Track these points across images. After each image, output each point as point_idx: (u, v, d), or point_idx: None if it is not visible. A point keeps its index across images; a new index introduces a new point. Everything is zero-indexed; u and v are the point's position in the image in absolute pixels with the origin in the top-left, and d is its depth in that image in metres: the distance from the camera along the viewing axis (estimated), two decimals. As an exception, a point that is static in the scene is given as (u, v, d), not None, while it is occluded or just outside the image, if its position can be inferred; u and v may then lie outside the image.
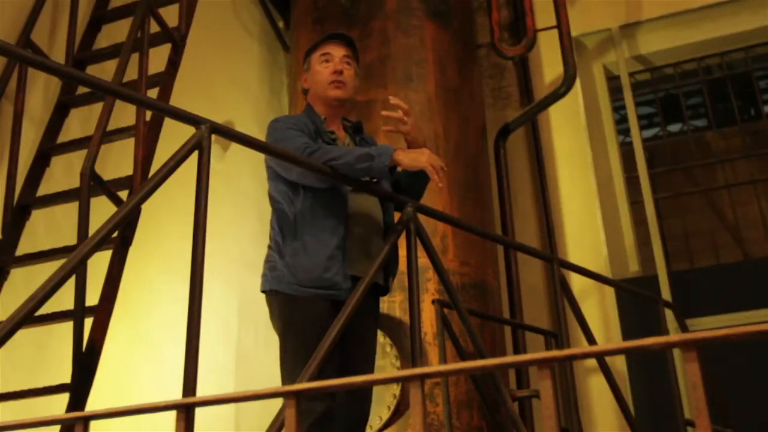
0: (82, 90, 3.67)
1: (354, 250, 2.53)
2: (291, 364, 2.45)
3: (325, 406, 2.33)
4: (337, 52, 2.71)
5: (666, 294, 4.93)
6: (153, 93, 3.57)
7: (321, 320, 2.41)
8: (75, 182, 3.07)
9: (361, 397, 2.56)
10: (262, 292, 2.59)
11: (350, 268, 2.51)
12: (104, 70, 3.77)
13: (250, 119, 5.32)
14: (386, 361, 3.83)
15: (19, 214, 3.26)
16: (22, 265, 3.15)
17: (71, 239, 3.00)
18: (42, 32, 3.64)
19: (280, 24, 6.04)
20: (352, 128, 2.80)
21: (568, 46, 5.13)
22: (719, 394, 3.88)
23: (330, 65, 2.68)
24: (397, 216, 2.68)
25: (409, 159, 2.42)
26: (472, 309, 3.96)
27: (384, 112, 2.60)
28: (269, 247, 2.61)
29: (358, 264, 2.53)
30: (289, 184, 2.56)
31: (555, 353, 1.01)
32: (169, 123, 3.18)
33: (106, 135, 3.13)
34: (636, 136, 5.53)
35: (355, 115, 3.81)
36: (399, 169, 2.55)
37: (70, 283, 2.07)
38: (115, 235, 2.78)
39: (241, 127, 2.60)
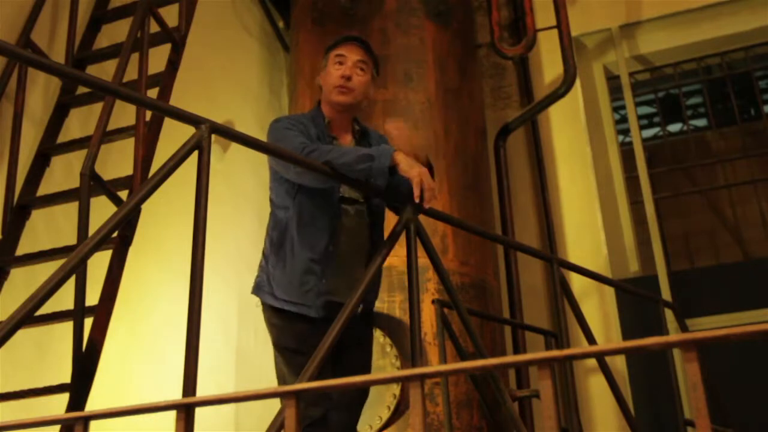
0: (82, 90, 3.67)
1: (335, 274, 2.50)
2: (281, 372, 2.49)
3: (322, 411, 2.35)
4: (352, 55, 2.65)
5: (666, 294, 4.93)
6: (153, 93, 3.57)
7: (300, 336, 2.44)
8: (75, 182, 3.07)
9: (355, 404, 2.56)
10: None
11: (330, 291, 2.48)
12: (104, 70, 3.77)
13: (250, 119, 5.32)
14: (386, 361, 3.82)
15: (19, 214, 3.26)
16: (22, 265, 3.15)
17: (71, 239, 3.00)
18: (42, 32, 3.64)
19: (280, 24, 6.04)
20: (360, 133, 2.76)
21: (568, 46, 5.13)
22: (719, 394, 3.89)
23: (341, 69, 2.64)
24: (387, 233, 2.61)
25: (405, 163, 2.38)
26: (472, 309, 3.96)
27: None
28: (262, 251, 2.63)
29: (337, 289, 2.49)
30: (288, 188, 2.55)
31: (555, 353, 1.01)
32: (169, 123, 3.18)
33: (106, 135, 3.13)
34: (636, 136, 5.53)
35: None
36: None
37: (70, 283, 2.07)
38: (115, 235, 2.78)
39: (241, 127, 2.59)
